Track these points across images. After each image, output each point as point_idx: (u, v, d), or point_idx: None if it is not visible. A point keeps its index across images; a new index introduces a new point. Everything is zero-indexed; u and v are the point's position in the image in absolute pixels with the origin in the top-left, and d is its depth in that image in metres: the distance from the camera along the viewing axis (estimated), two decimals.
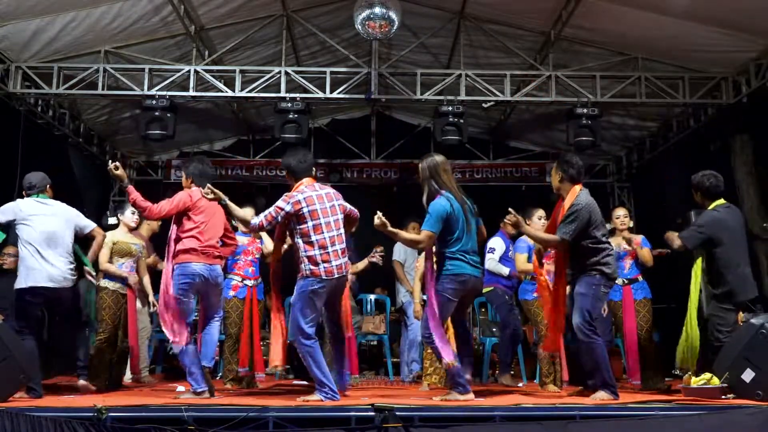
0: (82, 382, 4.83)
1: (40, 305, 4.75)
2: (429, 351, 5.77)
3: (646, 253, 5.66)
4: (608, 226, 5.94)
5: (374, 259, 5.67)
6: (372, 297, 7.60)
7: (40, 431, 3.30)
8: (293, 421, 3.48)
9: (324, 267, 4.36)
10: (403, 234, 4.68)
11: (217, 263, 4.79)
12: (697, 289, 4.86)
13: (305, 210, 4.41)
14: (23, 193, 4.96)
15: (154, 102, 7.37)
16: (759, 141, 7.21)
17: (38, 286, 4.62)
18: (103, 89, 7.43)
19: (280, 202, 4.47)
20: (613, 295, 5.56)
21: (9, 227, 4.82)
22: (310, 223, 4.40)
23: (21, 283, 4.65)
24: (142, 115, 7.53)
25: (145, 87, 7.45)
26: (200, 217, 4.70)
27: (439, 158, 4.54)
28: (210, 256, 4.69)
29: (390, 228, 4.36)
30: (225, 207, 4.68)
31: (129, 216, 5.68)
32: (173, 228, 4.71)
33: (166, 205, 4.64)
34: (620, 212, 5.85)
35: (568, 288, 4.73)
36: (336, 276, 4.42)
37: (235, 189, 7.90)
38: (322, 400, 4.21)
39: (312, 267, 4.36)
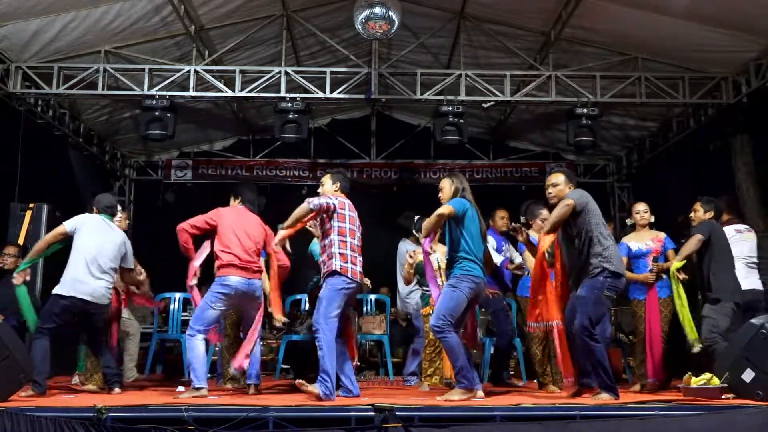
0: (117, 390, 4.96)
1: (74, 315, 4.90)
2: (428, 351, 5.76)
3: (671, 255, 5.51)
4: (629, 222, 5.95)
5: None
6: (372, 297, 7.59)
7: (40, 431, 3.30)
8: (293, 421, 3.48)
9: (351, 267, 4.65)
10: (429, 224, 4.62)
11: (256, 277, 4.95)
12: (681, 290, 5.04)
13: (347, 213, 4.74)
14: (94, 209, 5.22)
15: (154, 102, 7.38)
16: (759, 141, 7.22)
17: (78, 298, 4.81)
18: (103, 89, 7.43)
19: (326, 195, 4.77)
20: (638, 293, 5.53)
21: (69, 239, 5.01)
22: (348, 225, 4.71)
23: (63, 290, 4.82)
24: (142, 115, 7.53)
25: (145, 87, 7.45)
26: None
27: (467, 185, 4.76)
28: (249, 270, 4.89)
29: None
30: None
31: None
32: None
33: None
34: (640, 207, 5.69)
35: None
36: (358, 281, 4.70)
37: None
38: (319, 395, 4.31)
39: (342, 263, 4.61)
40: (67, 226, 4.99)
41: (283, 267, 5.11)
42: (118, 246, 5.10)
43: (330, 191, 4.87)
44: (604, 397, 4.24)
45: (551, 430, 3.45)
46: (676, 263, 5.10)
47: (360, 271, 4.74)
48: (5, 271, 6.04)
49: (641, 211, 5.67)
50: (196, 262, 4.95)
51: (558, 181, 4.69)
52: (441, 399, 4.34)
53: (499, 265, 5.91)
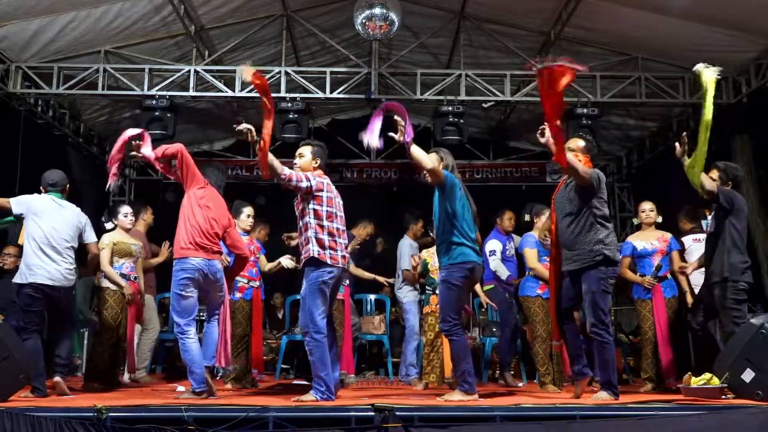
0: (57, 379, 4.73)
1: (41, 301, 4.73)
2: (426, 351, 5.77)
3: (675, 257, 5.52)
4: (635, 221, 5.94)
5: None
6: (372, 297, 7.59)
7: (40, 431, 3.30)
8: (293, 421, 3.47)
9: (330, 253, 4.37)
10: (418, 151, 4.41)
11: (216, 258, 4.74)
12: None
13: (324, 194, 4.46)
14: (41, 188, 4.97)
15: (154, 102, 7.38)
16: (759, 141, 7.22)
17: (38, 283, 4.65)
18: (103, 89, 7.44)
19: (305, 174, 4.48)
20: (642, 293, 5.50)
21: (19, 218, 4.88)
22: (325, 208, 4.44)
23: (21, 278, 4.68)
24: (142, 115, 7.54)
25: (145, 87, 7.46)
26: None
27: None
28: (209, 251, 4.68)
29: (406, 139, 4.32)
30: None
31: (123, 219, 5.67)
32: None
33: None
34: (646, 206, 5.66)
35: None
36: (340, 265, 4.43)
37: (234, 189, 7.90)
38: (316, 400, 4.18)
39: (319, 249, 4.35)
40: (12, 201, 4.76)
41: (242, 258, 4.99)
42: (73, 223, 4.88)
43: (308, 167, 4.62)
44: (604, 397, 4.24)
45: (551, 430, 3.45)
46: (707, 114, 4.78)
47: (342, 255, 4.46)
48: (5, 271, 6.04)
49: (647, 209, 5.64)
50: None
51: (576, 147, 4.70)
52: (441, 399, 4.34)
53: (505, 279, 5.97)
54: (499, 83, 7.75)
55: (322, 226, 4.40)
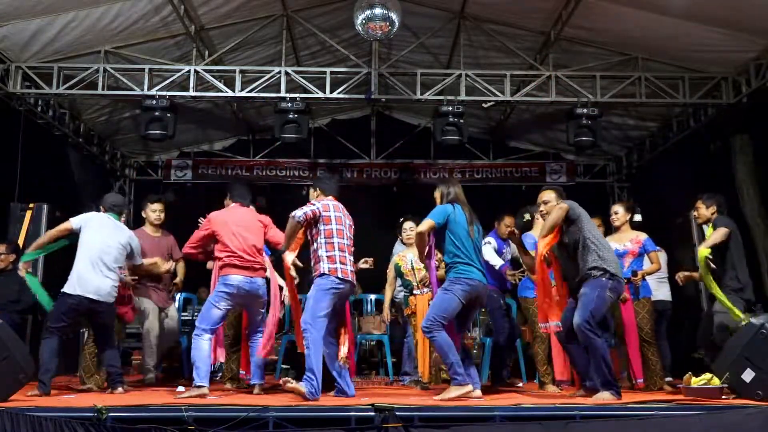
0: (120, 390, 4.92)
1: (78, 314, 4.90)
2: (420, 351, 5.76)
3: (653, 257, 5.57)
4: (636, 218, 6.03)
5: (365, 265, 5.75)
6: (372, 297, 7.59)
7: (40, 431, 3.30)
8: (293, 421, 3.48)
9: (341, 267, 4.61)
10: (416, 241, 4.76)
11: (259, 275, 4.98)
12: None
13: (332, 214, 4.69)
14: (101, 207, 5.22)
15: (154, 102, 7.37)
16: (759, 141, 7.22)
17: (84, 297, 4.80)
18: (103, 89, 7.43)
19: (308, 204, 4.74)
20: None
21: (75, 235, 5.00)
22: (333, 226, 4.66)
23: (71, 288, 4.82)
24: (142, 115, 7.53)
25: (145, 87, 7.45)
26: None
27: (458, 188, 4.82)
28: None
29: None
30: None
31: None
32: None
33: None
34: (615, 208, 5.74)
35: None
36: (349, 279, 4.67)
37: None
38: (304, 393, 4.32)
39: (330, 265, 4.59)
40: (73, 222, 4.99)
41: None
42: (123, 245, 5.08)
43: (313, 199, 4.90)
44: (604, 397, 4.24)
45: (551, 430, 3.45)
46: (704, 250, 4.96)
47: (351, 270, 4.73)
48: (1, 271, 6.04)
49: (613, 212, 5.72)
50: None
51: (549, 198, 4.80)
52: (437, 398, 4.35)
53: (498, 268, 5.95)
54: (499, 83, 7.75)
55: (332, 244, 4.63)
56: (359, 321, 7.09)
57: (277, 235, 5.10)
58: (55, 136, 8.17)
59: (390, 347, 7.07)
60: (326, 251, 4.61)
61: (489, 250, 5.97)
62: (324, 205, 4.71)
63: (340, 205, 4.85)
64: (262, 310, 5.06)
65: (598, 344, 4.33)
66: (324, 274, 4.59)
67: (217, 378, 6.15)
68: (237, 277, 4.82)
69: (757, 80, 6.94)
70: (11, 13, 6.33)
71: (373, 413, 3.45)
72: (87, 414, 3.41)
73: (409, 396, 4.78)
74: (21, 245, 6.33)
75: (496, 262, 5.88)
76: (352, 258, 4.78)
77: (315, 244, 4.70)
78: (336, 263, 4.60)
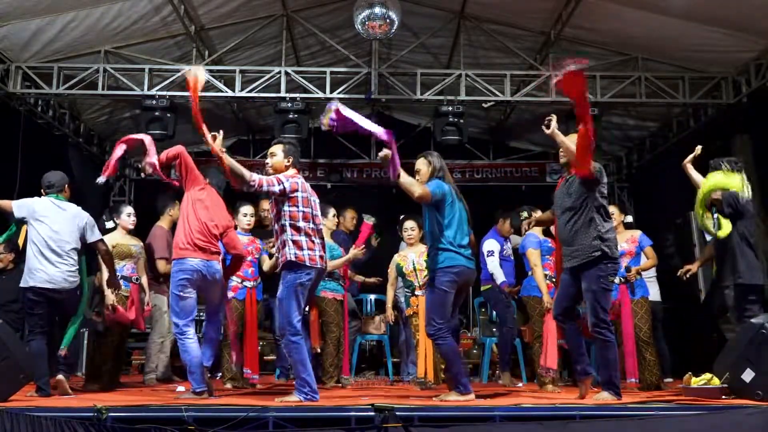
0: (60, 377, 4.74)
1: (43, 305, 4.73)
2: (420, 351, 5.76)
3: (648, 252, 5.57)
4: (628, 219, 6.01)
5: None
6: (372, 297, 7.59)
7: (40, 431, 3.30)
8: (293, 421, 3.48)
9: (308, 254, 4.28)
10: (406, 181, 4.51)
11: (215, 259, 4.74)
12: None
13: (299, 195, 4.33)
14: (41, 191, 4.98)
15: (154, 102, 7.39)
16: (759, 141, 7.21)
17: (37, 287, 4.66)
18: (103, 89, 7.44)
19: (277, 177, 4.31)
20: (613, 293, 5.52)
21: (22, 223, 4.89)
22: (301, 209, 4.32)
23: (24, 282, 4.71)
24: (142, 115, 7.55)
25: (145, 87, 7.46)
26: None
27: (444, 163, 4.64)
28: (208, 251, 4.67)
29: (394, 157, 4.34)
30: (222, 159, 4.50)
31: (125, 218, 5.66)
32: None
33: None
34: (610, 209, 5.68)
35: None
36: (318, 266, 4.35)
37: (234, 189, 7.87)
38: (300, 401, 4.14)
39: (297, 251, 4.25)
40: (14, 205, 4.80)
41: (238, 258, 4.99)
42: (74, 224, 4.85)
43: (280, 166, 4.46)
44: (605, 397, 4.24)
45: (551, 430, 3.45)
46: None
47: (320, 255, 4.36)
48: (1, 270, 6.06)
49: (612, 213, 5.62)
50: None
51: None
52: (437, 399, 4.34)
53: (499, 284, 5.96)
54: (499, 83, 7.75)
55: (298, 228, 4.29)
56: (359, 323, 7.09)
57: (234, 239, 4.92)
58: (55, 136, 8.17)
59: (390, 347, 7.08)
60: (291, 235, 4.27)
61: (495, 265, 5.98)
62: (293, 183, 4.30)
63: (306, 184, 4.47)
64: (221, 294, 4.82)
65: (612, 344, 4.32)
66: (291, 262, 4.25)
67: (217, 378, 6.15)
68: (194, 260, 4.55)
69: (757, 80, 6.94)
70: (11, 13, 6.34)
71: (373, 413, 3.44)
72: (87, 414, 3.41)
73: (409, 396, 4.78)
74: (21, 245, 6.32)
75: (499, 277, 5.89)
76: (321, 242, 4.42)
77: (278, 224, 4.33)
78: (303, 249, 4.26)
